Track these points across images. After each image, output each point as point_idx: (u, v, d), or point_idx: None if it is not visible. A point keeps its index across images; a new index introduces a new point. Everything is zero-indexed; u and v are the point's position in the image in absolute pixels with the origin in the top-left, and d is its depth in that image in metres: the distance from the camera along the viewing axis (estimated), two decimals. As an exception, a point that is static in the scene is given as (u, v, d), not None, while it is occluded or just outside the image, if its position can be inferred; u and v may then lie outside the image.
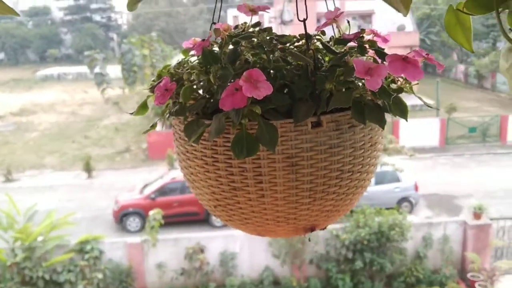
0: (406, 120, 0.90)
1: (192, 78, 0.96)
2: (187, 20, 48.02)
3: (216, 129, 0.86)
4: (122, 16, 57.44)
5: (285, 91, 0.92)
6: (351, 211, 10.56)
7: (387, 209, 10.95)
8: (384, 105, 0.89)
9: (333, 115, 0.91)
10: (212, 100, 0.93)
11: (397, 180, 13.82)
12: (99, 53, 28.93)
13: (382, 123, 0.88)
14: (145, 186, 14.52)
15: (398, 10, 1.03)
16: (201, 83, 0.96)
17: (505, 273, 10.11)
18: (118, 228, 13.53)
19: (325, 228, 1.05)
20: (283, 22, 17.66)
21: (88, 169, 18.04)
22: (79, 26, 50.16)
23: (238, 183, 0.93)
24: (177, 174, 14.17)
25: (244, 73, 0.82)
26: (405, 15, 1.03)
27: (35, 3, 55.13)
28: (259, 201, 0.94)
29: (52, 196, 15.97)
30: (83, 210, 14.46)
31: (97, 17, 53.82)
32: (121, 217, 13.56)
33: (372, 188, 13.59)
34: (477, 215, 10.75)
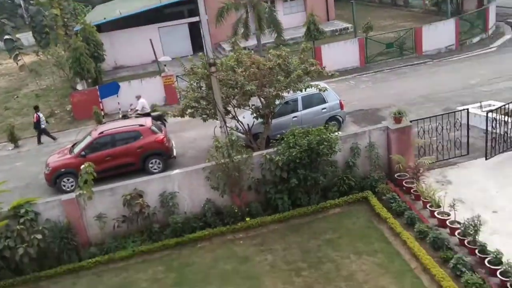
0: None
1: None
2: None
3: None
4: (28, -21, 53.69)
5: None
6: (282, 137, 10.83)
7: (315, 128, 11.28)
8: None
9: None
10: None
11: (323, 101, 14.27)
12: (7, 20, 27.21)
13: None
14: (74, 145, 14.17)
15: None
16: None
17: (428, 168, 10.80)
18: (53, 191, 13.22)
19: None
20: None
21: (13, 139, 17.41)
22: (-20, -5, 46.42)
23: None
24: (105, 128, 13.84)
25: None
26: None
27: None
28: None
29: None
30: (14, 179, 14.02)
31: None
32: (55, 179, 13.27)
33: (301, 113, 13.96)
34: (397, 119, 11.25)
